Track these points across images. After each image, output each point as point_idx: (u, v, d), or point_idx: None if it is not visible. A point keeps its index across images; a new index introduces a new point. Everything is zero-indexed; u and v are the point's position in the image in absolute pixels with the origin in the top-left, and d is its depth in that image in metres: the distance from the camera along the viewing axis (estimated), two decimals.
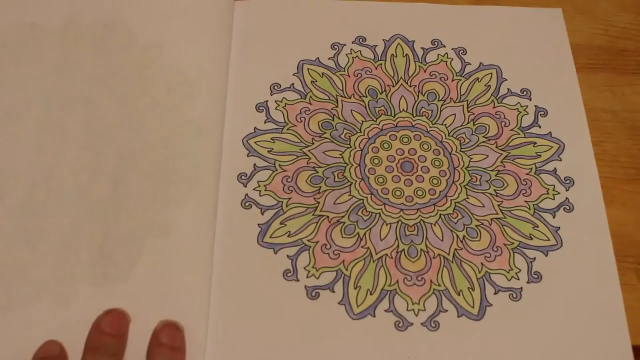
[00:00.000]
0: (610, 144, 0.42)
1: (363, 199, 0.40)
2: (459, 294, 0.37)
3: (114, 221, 0.37)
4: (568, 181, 0.41)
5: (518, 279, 0.37)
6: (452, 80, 0.44)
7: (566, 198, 0.40)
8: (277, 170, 0.40)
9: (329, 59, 0.44)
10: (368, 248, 0.38)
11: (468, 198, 0.40)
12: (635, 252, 0.39)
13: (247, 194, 0.39)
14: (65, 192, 0.38)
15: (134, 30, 0.43)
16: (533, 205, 0.40)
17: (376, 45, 0.45)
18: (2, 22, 0.43)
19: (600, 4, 0.48)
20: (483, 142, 0.42)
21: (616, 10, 0.48)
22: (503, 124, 0.43)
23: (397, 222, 0.39)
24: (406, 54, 0.45)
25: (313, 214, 0.39)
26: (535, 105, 0.43)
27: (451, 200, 0.40)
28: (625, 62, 0.46)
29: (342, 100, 0.43)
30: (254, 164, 0.40)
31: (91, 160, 0.39)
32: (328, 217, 0.39)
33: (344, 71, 0.44)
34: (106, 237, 0.37)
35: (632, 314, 0.37)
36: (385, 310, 0.36)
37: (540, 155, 0.42)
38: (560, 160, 0.41)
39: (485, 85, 0.44)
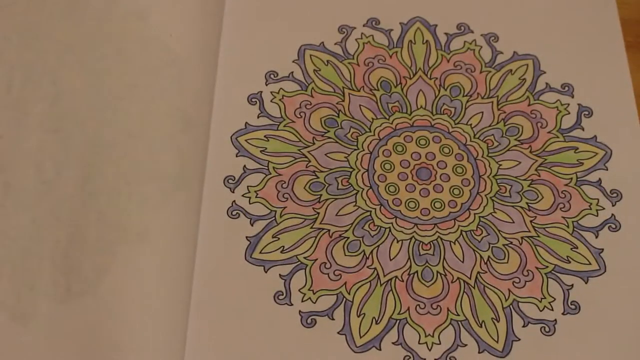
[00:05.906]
0: None
1: (371, 211, 0.38)
2: (480, 326, 0.36)
3: (82, 224, 0.36)
4: (615, 194, 0.39)
5: (552, 310, 0.36)
6: (481, 72, 0.42)
7: (612, 215, 0.38)
8: (270, 173, 0.39)
9: (335, 44, 0.43)
10: (375, 269, 0.37)
11: (495, 212, 0.38)
12: None
13: (234, 201, 0.38)
14: (25, 186, 0.37)
15: None
16: (572, 222, 0.38)
17: (391, 30, 0.43)
18: None
19: None
20: (515, 146, 0.40)
21: None
22: (539, 124, 0.41)
23: (410, 239, 0.38)
24: (426, 41, 0.43)
25: (311, 227, 0.38)
26: (578, 104, 0.42)
27: (475, 214, 0.38)
28: None
29: (349, 94, 0.41)
30: (244, 166, 0.39)
31: (57, 148, 0.37)
32: (329, 230, 0.38)
33: (353, 59, 0.42)
34: (72, 243, 0.35)
35: None
36: (393, 343, 0.35)
37: (583, 163, 0.40)
38: (607, 170, 0.40)
39: (519, 79, 0.42)
